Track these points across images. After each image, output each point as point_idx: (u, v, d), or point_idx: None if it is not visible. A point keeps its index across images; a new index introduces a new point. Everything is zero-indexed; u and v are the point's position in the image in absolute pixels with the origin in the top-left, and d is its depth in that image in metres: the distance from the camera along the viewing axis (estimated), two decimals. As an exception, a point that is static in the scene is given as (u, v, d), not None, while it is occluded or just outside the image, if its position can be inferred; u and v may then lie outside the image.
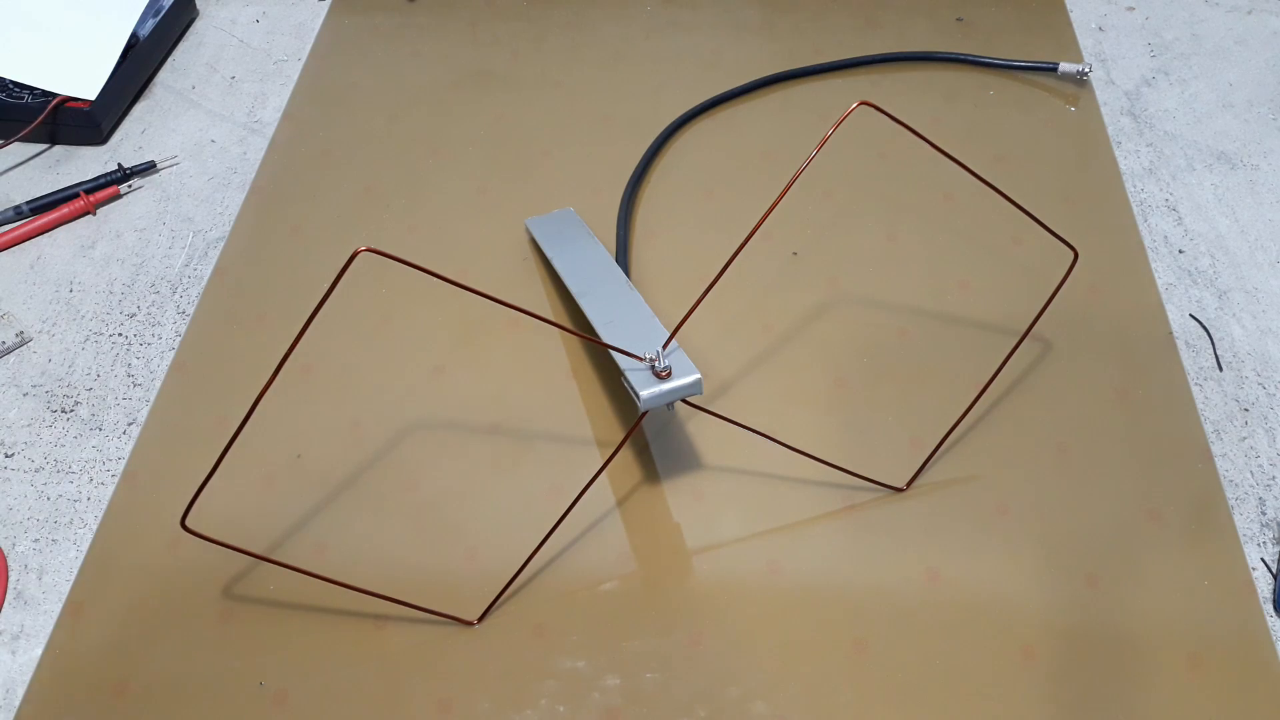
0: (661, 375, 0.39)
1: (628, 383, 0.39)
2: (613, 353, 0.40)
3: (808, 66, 0.65)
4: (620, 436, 0.46)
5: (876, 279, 0.53)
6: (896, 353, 0.49)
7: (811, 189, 0.57)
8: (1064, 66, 0.62)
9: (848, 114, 0.34)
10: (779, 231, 0.55)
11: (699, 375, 0.39)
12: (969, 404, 0.45)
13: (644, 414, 0.39)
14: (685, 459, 0.46)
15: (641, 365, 0.39)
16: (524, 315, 0.34)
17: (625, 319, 0.44)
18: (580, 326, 0.51)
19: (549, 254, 0.51)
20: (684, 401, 0.40)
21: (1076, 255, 0.43)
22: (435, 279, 0.32)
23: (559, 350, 0.50)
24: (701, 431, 0.47)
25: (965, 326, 0.50)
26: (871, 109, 0.35)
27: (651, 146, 0.59)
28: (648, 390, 0.39)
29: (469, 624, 0.41)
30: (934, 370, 0.49)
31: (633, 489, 0.45)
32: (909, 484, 0.44)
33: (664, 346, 0.39)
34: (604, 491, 0.45)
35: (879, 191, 0.57)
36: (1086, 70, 0.62)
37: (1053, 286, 0.48)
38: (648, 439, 0.47)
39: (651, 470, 0.45)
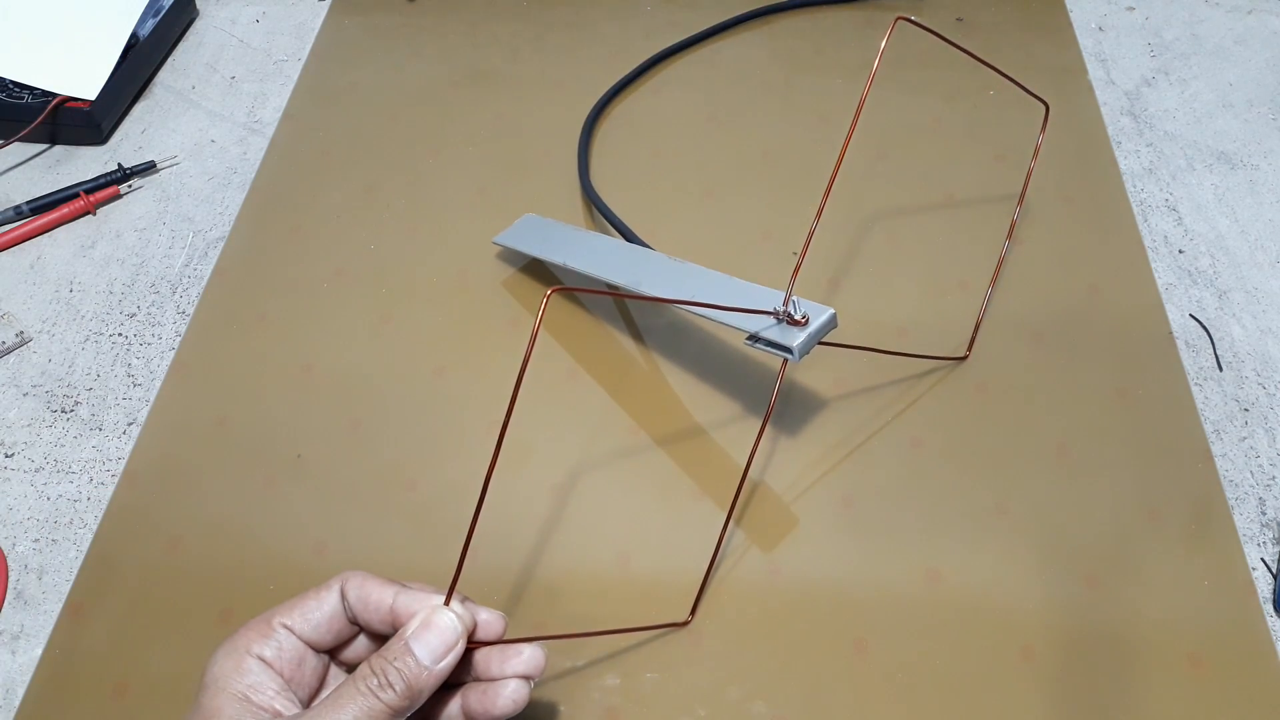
0: (800, 322, 0.39)
1: (765, 342, 0.39)
2: (736, 319, 0.40)
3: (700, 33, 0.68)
4: (624, 435, 0.46)
5: (876, 279, 0.53)
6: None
7: (811, 189, 0.57)
8: None
9: (890, 32, 0.35)
10: (779, 231, 0.55)
11: (833, 310, 0.39)
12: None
13: (785, 366, 0.40)
14: (687, 457, 0.46)
15: (769, 322, 0.39)
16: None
17: (706, 288, 0.43)
18: (617, 315, 0.51)
19: (561, 260, 0.50)
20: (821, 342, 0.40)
21: (1048, 108, 0.44)
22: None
23: (559, 350, 0.50)
24: (704, 431, 0.47)
25: (965, 326, 0.50)
26: (909, 24, 0.37)
27: (584, 129, 0.60)
28: (797, 340, 0.39)
29: (684, 624, 0.40)
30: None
31: (635, 488, 0.45)
32: (969, 349, 0.47)
33: (787, 295, 0.39)
34: (605, 490, 0.45)
35: (879, 191, 0.57)
36: None
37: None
38: (651, 438, 0.47)
39: (654, 470, 0.45)
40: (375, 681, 0.29)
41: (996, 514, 0.43)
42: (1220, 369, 0.49)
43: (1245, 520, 0.43)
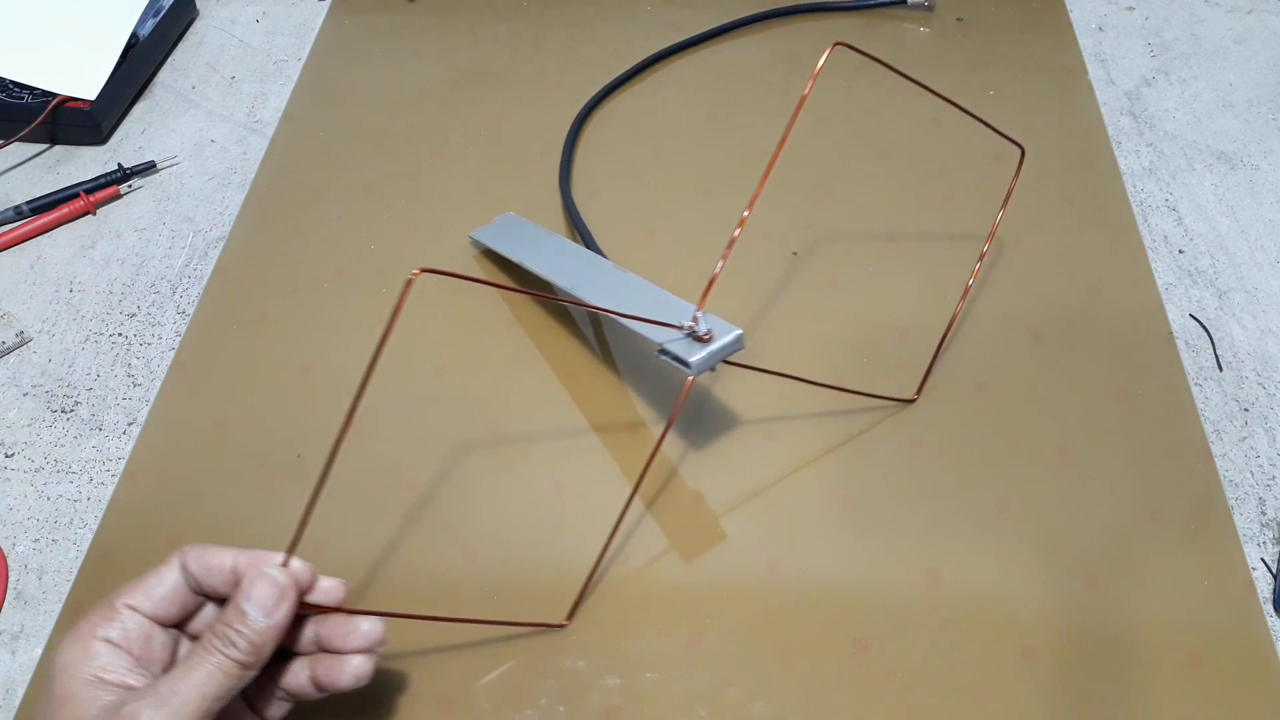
0: (704, 339, 0.39)
1: (670, 355, 0.39)
2: (646, 330, 0.40)
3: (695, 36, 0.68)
4: (624, 430, 0.46)
5: (876, 279, 0.53)
6: (896, 353, 0.49)
7: (811, 189, 0.57)
8: None
9: (826, 56, 0.35)
10: (779, 231, 0.55)
11: (740, 330, 0.39)
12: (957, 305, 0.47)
13: (689, 382, 0.39)
14: (687, 456, 0.46)
15: (678, 335, 0.39)
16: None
17: (633, 299, 0.43)
18: (585, 319, 0.51)
19: (518, 259, 0.51)
20: (725, 361, 0.40)
21: (1024, 151, 0.45)
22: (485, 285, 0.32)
23: (559, 349, 0.50)
24: (703, 431, 0.47)
25: (965, 326, 0.50)
26: (847, 49, 0.37)
27: (572, 127, 0.61)
28: (696, 356, 0.38)
29: (561, 626, 0.40)
30: (932, 370, 0.49)
31: (634, 487, 0.45)
32: (918, 392, 0.46)
33: (698, 310, 0.39)
34: (603, 490, 0.45)
35: (879, 191, 0.57)
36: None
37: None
38: (645, 435, 0.47)
39: (653, 469, 0.45)
40: (218, 641, 0.31)
41: (996, 514, 0.43)
42: (1220, 369, 0.49)
43: (1245, 520, 0.43)
